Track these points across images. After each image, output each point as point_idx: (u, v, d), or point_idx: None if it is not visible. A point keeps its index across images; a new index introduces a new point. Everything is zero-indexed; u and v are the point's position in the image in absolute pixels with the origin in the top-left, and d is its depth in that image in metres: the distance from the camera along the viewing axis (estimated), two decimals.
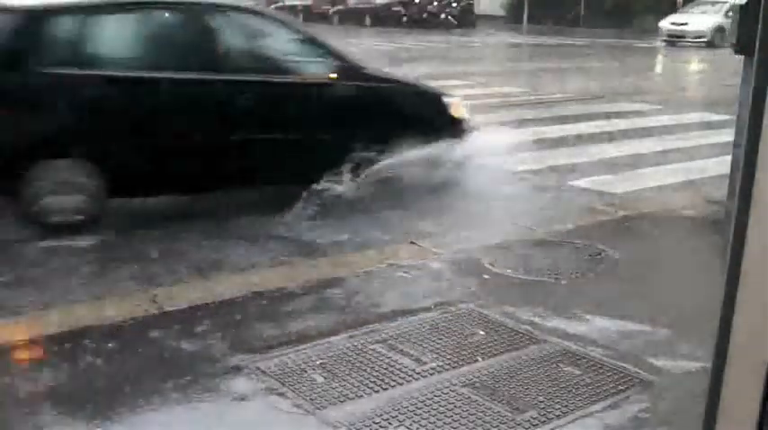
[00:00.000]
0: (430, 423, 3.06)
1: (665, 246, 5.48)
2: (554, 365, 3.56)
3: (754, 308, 1.06)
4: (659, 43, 27.80)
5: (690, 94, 15.37)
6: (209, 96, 5.87)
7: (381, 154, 6.12)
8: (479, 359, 3.62)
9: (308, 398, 3.25)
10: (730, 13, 26.92)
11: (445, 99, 6.92)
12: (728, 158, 5.52)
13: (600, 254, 5.13)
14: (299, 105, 6.17)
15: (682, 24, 28.40)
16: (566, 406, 3.21)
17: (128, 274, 4.81)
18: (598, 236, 5.50)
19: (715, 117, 10.93)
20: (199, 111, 5.84)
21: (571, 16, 33.24)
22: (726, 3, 27.95)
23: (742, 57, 4.50)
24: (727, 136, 7.21)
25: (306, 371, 3.47)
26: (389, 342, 3.78)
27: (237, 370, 3.47)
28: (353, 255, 5.22)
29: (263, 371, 3.46)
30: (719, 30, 27.42)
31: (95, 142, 5.45)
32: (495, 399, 3.24)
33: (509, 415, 3.13)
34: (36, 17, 5.51)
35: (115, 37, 5.85)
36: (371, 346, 3.73)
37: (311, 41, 6.43)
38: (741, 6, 4.49)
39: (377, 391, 3.30)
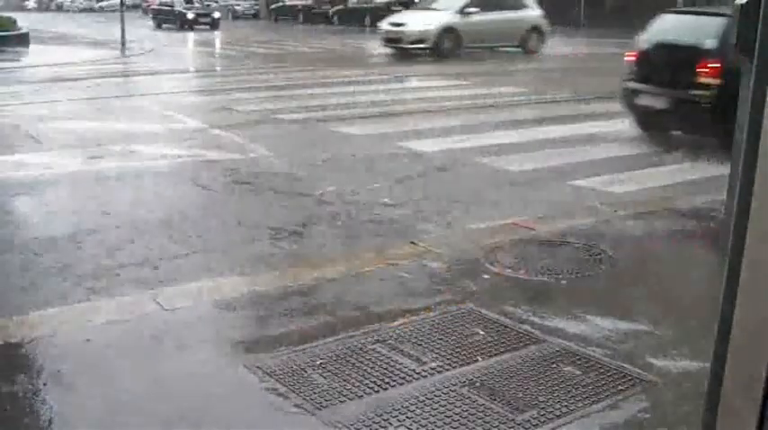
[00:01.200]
0: (430, 423, 3.06)
1: (665, 245, 5.47)
2: (554, 365, 3.56)
3: (754, 308, 1.06)
4: (380, 48, 22.05)
5: None
6: None
7: None
8: (479, 359, 3.62)
9: (308, 398, 3.25)
10: (468, 10, 20.36)
11: None
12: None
13: (600, 254, 5.13)
14: None
15: (400, 25, 20.85)
16: (566, 406, 3.21)
17: None
18: (598, 235, 5.50)
19: None
20: None
21: (572, 17, 33.18)
22: None
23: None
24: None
25: (306, 371, 3.47)
26: (389, 342, 3.78)
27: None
28: (353, 254, 5.22)
29: (264, 371, 3.46)
30: (448, 31, 19.93)
31: None
32: (495, 399, 3.24)
33: (509, 415, 3.13)
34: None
35: None
36: (371, 346, 3.73)
37: None
38: (741, 6, 4.49)
39: (377, 391, 3.30)
